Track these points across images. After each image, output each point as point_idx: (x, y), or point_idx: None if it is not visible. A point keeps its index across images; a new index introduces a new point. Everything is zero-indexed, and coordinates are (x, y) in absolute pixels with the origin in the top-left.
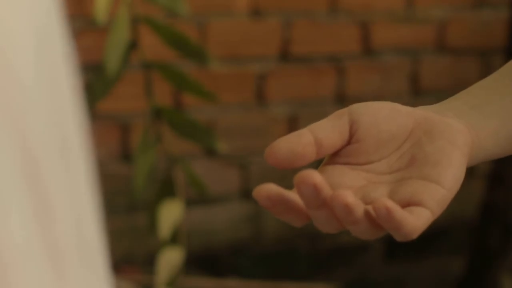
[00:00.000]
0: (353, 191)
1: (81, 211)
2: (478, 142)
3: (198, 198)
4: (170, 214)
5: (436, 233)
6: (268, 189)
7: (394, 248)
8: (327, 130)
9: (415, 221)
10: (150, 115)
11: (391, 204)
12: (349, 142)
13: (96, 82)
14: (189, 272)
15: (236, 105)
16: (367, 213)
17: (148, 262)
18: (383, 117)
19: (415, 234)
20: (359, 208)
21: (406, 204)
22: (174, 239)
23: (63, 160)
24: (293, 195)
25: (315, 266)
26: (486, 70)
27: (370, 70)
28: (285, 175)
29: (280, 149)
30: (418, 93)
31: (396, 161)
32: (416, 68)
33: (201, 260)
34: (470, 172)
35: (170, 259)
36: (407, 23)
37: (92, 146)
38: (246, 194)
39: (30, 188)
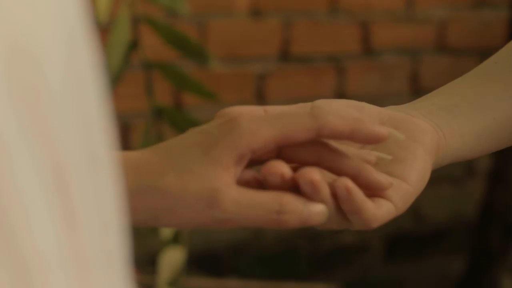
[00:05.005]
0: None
1: (108, 222)
2: (445, 143)
3: None
4: None
5: (436, 233)
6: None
7: (394, 248)
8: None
9: (375, 209)
10: (151, 114)
11: (352, 184)
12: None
13: None
14: (189, 272)
15: (236, 105)
16: (334, 195)
17: (148, 262)
18: (346, 115)
19: (374, 223)
20: (325, 187)
21: (369, 197)
22: (176, 238)
23: (90, 169)
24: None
25: (315, 266)
26: None
27: (370, 70)
28: None
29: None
30: (418, 93)
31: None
32: (416, 68)
33: (201, 260)
34: (470, 172)
35: (172, 259)
36: (407, 23)
37: None
38: None
39: (59, 198)
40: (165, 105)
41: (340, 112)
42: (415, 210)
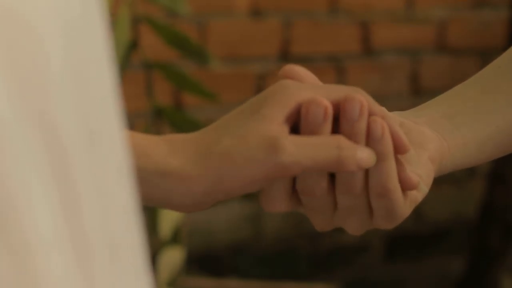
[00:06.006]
0: None
1: (112, 207)
2: (448, 152)
3: None
4: (171, 213)
5: (436, 233)
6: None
7: (394, 248)
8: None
9: (396, 181)
10: (151, 114)
11: (386, 127)
12: None
13: None
14: (189, 272)
15: (236, 105)
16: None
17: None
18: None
19: (391, 184)
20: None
21: None
22: (175, 239)
23: (90, 153)
24: None
25: (315, 266)
26: None
27: (370, 70)
28: None
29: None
30: (418, 93)
31: None
32: (416, 68)
33: (202, 260)
34: (470, 172)
35: (171, 259)
36: (407, 23)
37: None
38: (246, 194)
39: (57, 180)
40: (165, 105)
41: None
42: (415, 210)
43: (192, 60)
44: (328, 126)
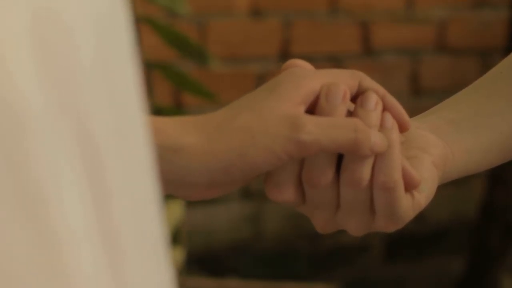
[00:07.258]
0: None
1: (140, 201)
2: (452, 159)
3: None
4: (171, 214)
5: (436, 233)
6: None
7: (394, 248)
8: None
9: (400, 174)
10: (151, 114)
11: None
12: None
13: None
14: (189, 272)
15: None
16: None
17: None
18: None
19: (393, 180)
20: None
21: None
22: (175, 239)
23: (119, 146)
24: None
25: (315, 266)
26: (486, 70)
27: (370, 70)
28: None
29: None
30: (418, 93)
31: None
32: (416, 68)
33: (202, 260)
34: None
35: (171, 259)
36: (407, 23)
37: None
38: (246, 194)
39: (88, 173)
40: (165, 105)
41: None
42: None
43: (192, 60)
44: (345, 108)
